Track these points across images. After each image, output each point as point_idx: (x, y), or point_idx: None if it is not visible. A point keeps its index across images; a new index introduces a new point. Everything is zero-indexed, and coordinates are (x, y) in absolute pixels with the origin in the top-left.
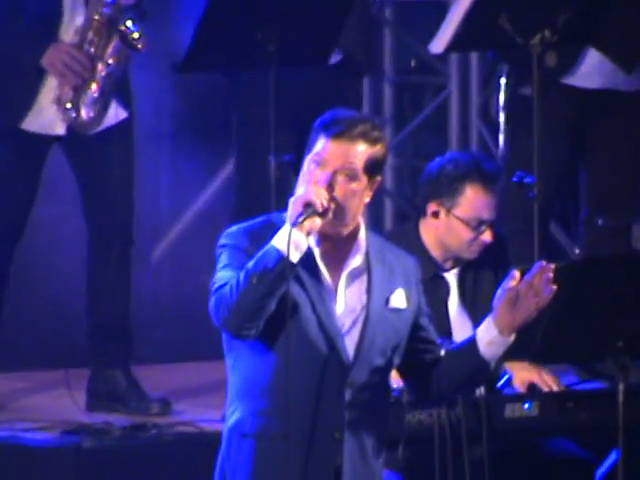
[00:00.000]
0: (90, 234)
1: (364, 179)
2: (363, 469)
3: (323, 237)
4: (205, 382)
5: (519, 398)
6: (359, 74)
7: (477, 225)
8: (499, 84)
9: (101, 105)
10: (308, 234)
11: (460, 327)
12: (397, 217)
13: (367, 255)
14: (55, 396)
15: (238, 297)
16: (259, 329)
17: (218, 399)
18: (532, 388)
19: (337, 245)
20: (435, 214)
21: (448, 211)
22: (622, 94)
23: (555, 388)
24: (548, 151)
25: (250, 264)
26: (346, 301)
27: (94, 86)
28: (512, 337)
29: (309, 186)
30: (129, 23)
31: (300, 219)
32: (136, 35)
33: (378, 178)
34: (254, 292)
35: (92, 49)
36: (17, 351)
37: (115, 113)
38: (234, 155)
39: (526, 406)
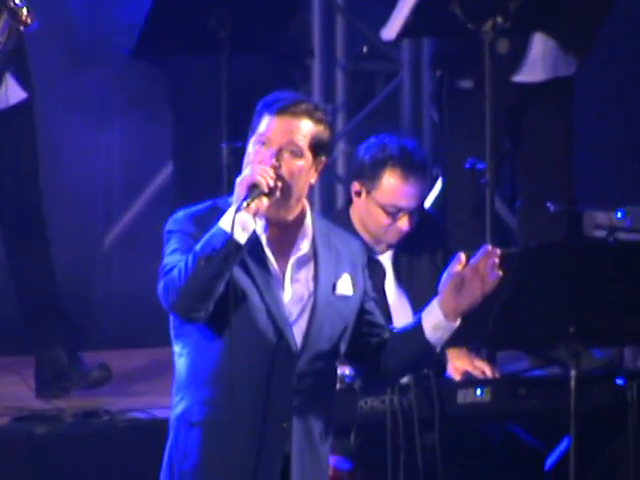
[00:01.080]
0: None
1: (309, 157)
2: (310, 455)
3: (270, 223)
4: (157, 369)
5: (471, 384)
6: (297, 57)
7: (394, 211)
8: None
9: None
10: (255, 215)
11: (398, 309)
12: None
13: (313, 241)
14: (6, 383)
15: (187, 280)
16: (208, 312)
17: (170, 386)
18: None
19: (284, 231)
20: (358, 194)
21: (368, 192)
22: (559, 80)
23: (490, 375)
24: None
25: (198, 246)
26: (293, 289)
27: None
28: (457, 322)
29: (255, 166)
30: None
31: (247, 200)
32: (24, 11)
33: (323, 158)
34: (202, 274)
35: None
36: None
37: (12, 93)
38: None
39: (478, 392)
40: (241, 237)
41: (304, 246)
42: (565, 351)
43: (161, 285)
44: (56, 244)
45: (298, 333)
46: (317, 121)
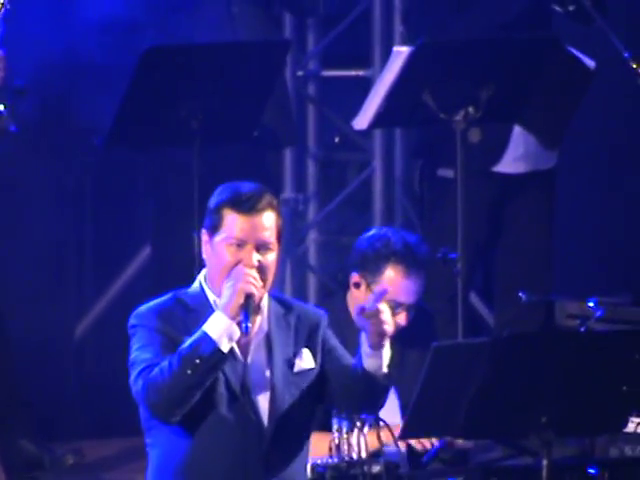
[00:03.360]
0: None
1: (277, 246)
2: None
3: None
4: (132, 457)
5: (444, 472)
6: (278, 147)
7: (393, 306)
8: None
9: None
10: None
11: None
12: (321, 293)
13: (268, 323)
14: None
15: (170, 385)
16: (184, 414)
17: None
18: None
19: None
20: (356, 285)
21: (368, 286)
22: (541, 172)
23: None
24: (467, 229)
25: (182, 349)
26: (254, 372)
27: None
28: (384, 350)
29: (240, 274)
30: None
31: (249, 319)
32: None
33: (281, 240)
34: (188, 381)
35: None
36: None
37: None
38: (150, 236)
39: None
40: (226, 347)
41: (261, 330)
42: (537, 440)
43: (139, 384)
44: (26, 334)
45: (264, 415)
46: (276, 210)
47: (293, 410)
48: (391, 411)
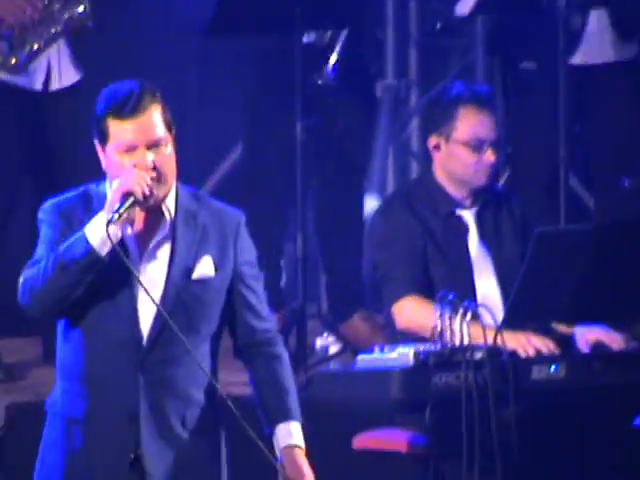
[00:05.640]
0: None
1: (169, 137)
2: (168, 450)
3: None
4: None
5: (546, 360)
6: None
7: (477, 145)
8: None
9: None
10: (125, 223)
11: (481, 266)
12: None
13: (174, 221)
14: None
15: (42, 284)
16: (63, 313)
17: None
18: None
19: (149, 213)
20: (436, 147)
21: (447, 139)
22: (624, 62)
23: (621, 347)
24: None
25: (60, 249)
26: (148, 276)
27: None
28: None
29: (129, 172)
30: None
31: (119, 212)
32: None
33: (173, 128)
34: (58, 281)
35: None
36: None
37: (66, 74)
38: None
39: (552, 368)
40: (104, 248)
41: (163, 230)
42: None
43: (21, 279)
44: None
45: (147, 324)
46: (159, 102)
47: (183, 318)
48: (485, 273)
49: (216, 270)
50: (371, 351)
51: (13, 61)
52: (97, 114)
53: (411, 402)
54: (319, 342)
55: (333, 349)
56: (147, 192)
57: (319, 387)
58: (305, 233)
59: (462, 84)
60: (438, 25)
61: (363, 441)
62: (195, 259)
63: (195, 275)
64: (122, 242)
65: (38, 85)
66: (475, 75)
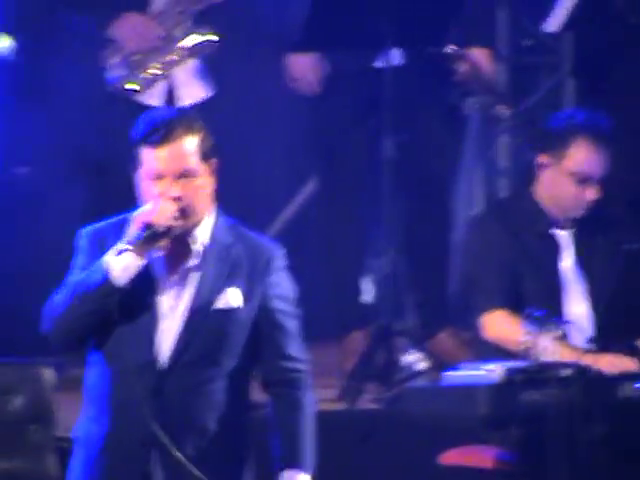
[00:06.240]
0: None
1: (203, 169)
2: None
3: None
4: None
5: (631, 378)
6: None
7: (583, 179)
8: None
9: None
10: (147, 252)
11: (572, 285)
12: None
13: (205, 253)
14: None
15: (61, 312)
16: (84, 343)
17: None
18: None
19: (181, 241)
20: (544, 166)
21: (557, 163)
22: None
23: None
24: None
25: (79, 280)
26: (171, 303)
27: (156, 67)
28: None
29: (154, 205)
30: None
31: (134, 243)
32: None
33: (213, 160)
34: (76, 309)
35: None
36: None
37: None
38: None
39: (638, 386)
40: (121, 277)
41: (195, 257)
42: None
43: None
44: None
45: (167, 350)
46: (197, 132)
47: (204, 349)
48: (575, 293)
49: (243, 303)
50: (458, 368)
51: (132, 85)
52: (132, 138)
53: (498, 418)
54: (406, 358)
55: (420, 365)
56: (168, 224)
57: (406, 403)
58: (393, 249)
59: (586, 114)
60: (527, 42)
61: (450, 457)
62: (222, 290)
63: (218, 306)
64: (148, 268)
65: (156, 101)
66: (563, 93)
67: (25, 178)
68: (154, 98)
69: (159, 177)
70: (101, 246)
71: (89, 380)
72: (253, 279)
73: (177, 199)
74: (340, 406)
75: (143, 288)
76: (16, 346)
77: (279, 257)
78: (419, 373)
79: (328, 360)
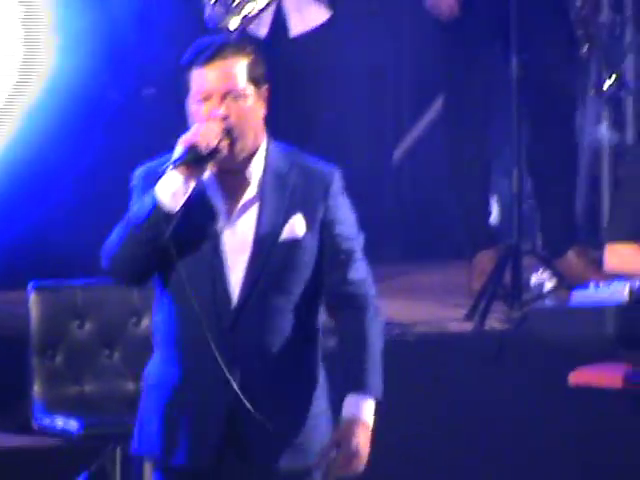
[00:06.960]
0: None
1: (253, 92)
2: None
3: (221, 169)
4: (446, 283)
5: None
6: None
7: None
8: None
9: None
10: (195, 178)
11: None
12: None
13: (262, 182)
14: None
15: (117, 246)
16: (148, 276)
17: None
18: None
19: (237, 172)
20: None
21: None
22: None
23: None
24: None
25: (131, 211)
26: (236, 238)
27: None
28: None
29: (198, 125)
30: None
31: (175, 163)
32: None
33: (265, 87)
34: (130, 241)
35: None
36: None
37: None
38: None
39: None
40: (171, 202)
41: (251, 189)
42: None
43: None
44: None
45: (237, 286)
46: (247, 55)
47: (275, 282)
48: None
49: (306, 231)
50: (586, 287)
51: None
52: (181, 65)
53: (628, 338)
54: (534, 278)
55: (548, 285)
56: (213, 145)
57: (534, 323)
58: (520, 169)
59: None
60: None
61: (579, 376)
62: (283, 221)
63: (283, 237)
64: (210, 205)
65: (262, 32)
66: None
67: (153, 98)
68: (263, 27)
69: (207, 97)
70: (155, 182)
71: (158, 324)
72: (313, 206)
73: (223, 119)
74: (468, 326)
75: (205, 224)
76: None
77: (336, 181)
78: (547, 293)
79: (458, 280)
